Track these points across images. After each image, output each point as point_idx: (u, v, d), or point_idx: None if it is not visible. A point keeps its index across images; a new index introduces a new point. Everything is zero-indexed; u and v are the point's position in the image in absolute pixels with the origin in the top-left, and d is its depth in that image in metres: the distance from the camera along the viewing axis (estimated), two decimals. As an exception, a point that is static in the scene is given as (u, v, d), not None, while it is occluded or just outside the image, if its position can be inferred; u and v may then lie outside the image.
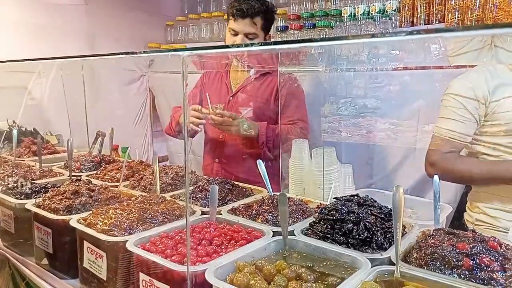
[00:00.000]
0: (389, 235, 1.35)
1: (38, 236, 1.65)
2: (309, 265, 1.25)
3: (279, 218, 1.54)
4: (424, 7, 2.80)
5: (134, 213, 1.48)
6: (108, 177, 2.16)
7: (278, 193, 1.87)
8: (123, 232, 1.38)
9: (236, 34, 2.46)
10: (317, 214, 1.49)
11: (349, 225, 1.34)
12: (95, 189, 1.73)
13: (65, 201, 1.61)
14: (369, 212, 1.42)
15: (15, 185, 1.88)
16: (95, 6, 4.07)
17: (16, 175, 2.09)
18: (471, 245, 1.16)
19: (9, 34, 3.10)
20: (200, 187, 1.84)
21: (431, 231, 1.33)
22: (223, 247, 1.33)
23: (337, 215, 1.39)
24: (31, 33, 3.34)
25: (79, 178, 2.00)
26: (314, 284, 1.10)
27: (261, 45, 1.22)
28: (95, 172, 2.30)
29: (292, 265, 1.18)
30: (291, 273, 1.14)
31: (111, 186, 1.96)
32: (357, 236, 1.32)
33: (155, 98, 4.58)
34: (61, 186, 1.75)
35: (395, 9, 2.91)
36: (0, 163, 2.38)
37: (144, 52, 1.25)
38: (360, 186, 2.21)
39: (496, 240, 1.20)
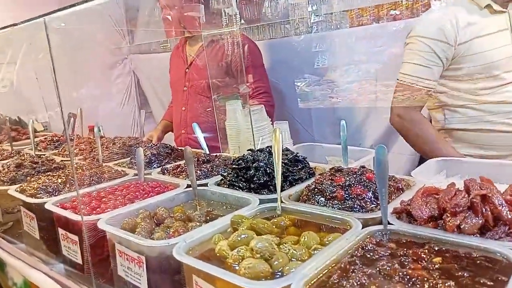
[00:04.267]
0: (290, 179, 1.42)
1: (-10, 208, 1.81)
2: (210, 209, 1.34)
3: (202, 173, 1.64)
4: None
5: (63, 178, 1.60)
6: (68, 153, 2.29)
7: (217, 154, 1.97)
8: (48, 195, 1.50)
9: None
10: (228, 165, 1.57)
11: (251, 171, 1.42)
12: (39, 161, 1.86)
13: (9, 174, 1.75)
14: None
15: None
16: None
17: (-18, 158, 2.25)
18: (347, 178, 1.22)
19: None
20: (140, 152, 1.94)
21: (327, 170, 1.39)
22: (136, 200, 1.43)
23: (242, 163, 1.47)
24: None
25: (41, 155, 2.15)
26: (199, 223, 1.19)
27: None
28: (57, 150, 2.44)
29: (187, 210, 1.28)
30: (182, 216, 1.23)
31: (67, 160, 2.10)
32: (257, 181, 1.40)
33: (139, 81, 4.69)
34: (8, 161, 1.89)
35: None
36: (-26, 149, 2.55)
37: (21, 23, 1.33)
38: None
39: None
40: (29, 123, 2.34)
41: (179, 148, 2.05)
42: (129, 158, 1.96)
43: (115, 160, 2.01)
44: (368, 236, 0.96)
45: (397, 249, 0.89)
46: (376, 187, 1.19)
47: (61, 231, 1.39)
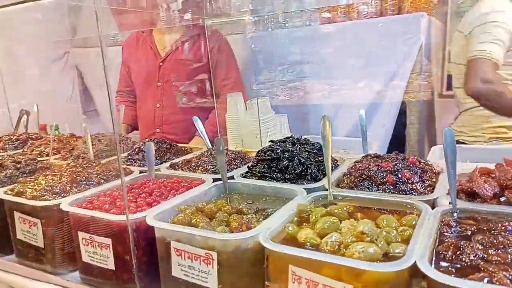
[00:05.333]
0: (322, 168, 1.42)
1: (-37, 217, 1.53)
2: (250, 202, 1.29)
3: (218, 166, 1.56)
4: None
5: (67, 177, 1.42)
6: (37, 152, 2.03)
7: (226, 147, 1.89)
8: (55, 196, 1.32)
9: None
10: (254, 157, 1.52)
11: (285, 162, 1.40)
12: (21, 161, 1.62)
13: (-12, 176, 1.51)
14: (303, 149, 1.48)
15: None
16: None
17: None
18: (393, 164, 1.26)
19: None
20: (137, 149, 1.80)
21: (360, 157, 1.42)
22: (163, 197, 1.32)
23: (273, 154, 1.44)
24: None
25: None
26: (254, 215, 1.14)
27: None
28: (21, 150, 2.16)
29: (233, 203, 1.21)
30: (232, 209, 1.17)
31: (41, 160, 1.86)
32: (292, 171, 1.38)
33: (83, 77, 4.33)
34: (-17, 162, 1.62)
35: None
36: None
37: None
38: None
39: (415, 157, 1.31)
40: (-13, 120, 2.03)
41: (178, 143, 1.93)
42: (126, 154, 1.80)
43: (105, 158, 1.84)
44: (444, 215, 1.00)
45: (480, 225, 0.94)
46: (421, 170, 1.25)
47: (82, 235, 1.23)
